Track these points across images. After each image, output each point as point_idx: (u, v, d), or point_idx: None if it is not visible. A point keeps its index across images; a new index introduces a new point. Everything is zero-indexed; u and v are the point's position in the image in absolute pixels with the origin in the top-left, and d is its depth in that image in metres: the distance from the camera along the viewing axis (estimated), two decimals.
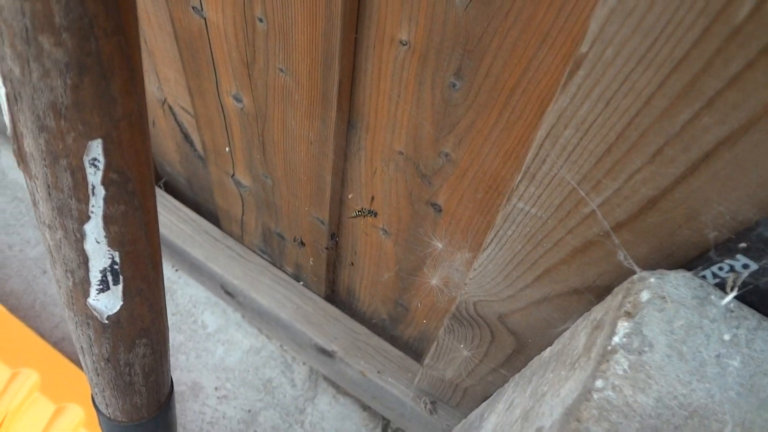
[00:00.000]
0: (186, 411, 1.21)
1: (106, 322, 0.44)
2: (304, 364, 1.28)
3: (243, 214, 1.09)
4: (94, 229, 0.37)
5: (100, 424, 0.58)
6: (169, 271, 1.37)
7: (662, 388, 0.37)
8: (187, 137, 1.04)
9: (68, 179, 0.34)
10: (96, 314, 0.43)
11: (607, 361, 0.38)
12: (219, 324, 1.32)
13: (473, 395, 0.85)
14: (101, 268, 0.40)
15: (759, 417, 0.35)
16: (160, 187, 1.28)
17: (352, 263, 0.97)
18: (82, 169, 0.34)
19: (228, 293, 1.20)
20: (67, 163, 0.34)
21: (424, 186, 0.72)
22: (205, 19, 0.71)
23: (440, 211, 0.73)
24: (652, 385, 0.37)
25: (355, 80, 0.66)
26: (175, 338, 1.30)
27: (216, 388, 1.25)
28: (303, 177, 0.84)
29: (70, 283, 0.41)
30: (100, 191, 0.35)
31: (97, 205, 0.36)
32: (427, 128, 0.64)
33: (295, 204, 0.92)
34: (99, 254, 0.39)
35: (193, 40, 0.77)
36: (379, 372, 1.03)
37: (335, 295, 1.15)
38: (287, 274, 1.16)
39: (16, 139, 0.33)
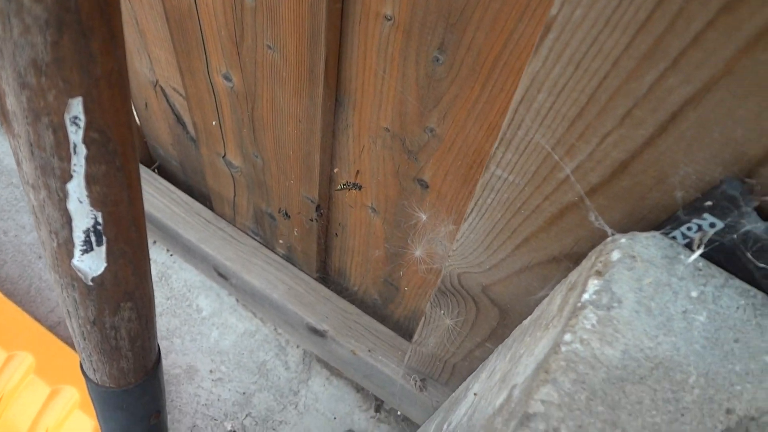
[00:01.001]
0: (181, 393, 1.22)
1: (91, 284, 0.45)
2: (297, 347, 1.29)
3: (235, 195, 1.10)
4: (77, 189, 0.38)
5: (89, 391, 0.59)
6: (163, 256, 1.38)
7: (629, 341, 0.38)
8: (179, 119, 1.05)
9: (50, 137, 0.35)
10: (80, 275, 0.44)
11: (576, 316, 0.39)
12: (213, 308, 1.34)
13: (461, 371, 0.86)
14: (84, 228, 0.41)
15: (722, 368, 0.36)
16: (154, 171, 1.29)
17: (337, 234, 0.98)
18: (64, 127, 0.35)
19: (221, 275, 1.21)
20: (49, 120, 0.34)
21: (410, 162, 0.72)
22: None
23: (427, 187, 0.74)
24: (619, 338, 0.38)
25: (341, 56, 0.67)
26: (170, 322, 1.31)
27: (211, 371, 1.26)
28: (292, 155, 0.85)
29: (55, 244, 0.42)
30: (82, 150, 0.36)
31: (78, 164, 0.37)
32: (412, 103, 0.65)
33: (285, 183, 0.93)
34: (82, 214, 0.40)
35: (183, 18, 0.78)
36: (369, 351, 1.04)
37: (327, 275, 1.16)
38: (279, 255, 1.17)
39: None
